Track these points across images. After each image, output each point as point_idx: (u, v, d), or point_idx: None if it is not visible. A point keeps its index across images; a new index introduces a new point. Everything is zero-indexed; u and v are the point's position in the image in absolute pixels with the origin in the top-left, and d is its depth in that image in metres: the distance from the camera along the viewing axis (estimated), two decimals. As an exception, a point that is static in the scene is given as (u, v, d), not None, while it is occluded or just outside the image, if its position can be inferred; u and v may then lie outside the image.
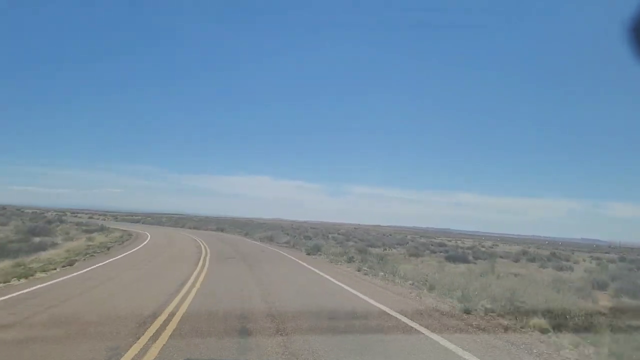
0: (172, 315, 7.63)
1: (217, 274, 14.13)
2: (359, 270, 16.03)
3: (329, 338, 6.35)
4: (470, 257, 36.42)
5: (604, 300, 14.10)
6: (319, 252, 24.63)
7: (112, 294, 9.71)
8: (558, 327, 7.02)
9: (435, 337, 6.67)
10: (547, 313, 7.49)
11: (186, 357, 5.26)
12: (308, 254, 24.59)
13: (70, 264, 14.96)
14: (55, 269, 13.47)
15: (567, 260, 42.40)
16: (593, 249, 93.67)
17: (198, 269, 15.03)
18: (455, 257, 33.74)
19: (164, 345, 5.77)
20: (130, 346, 5.64)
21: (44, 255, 18.13)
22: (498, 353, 5.99)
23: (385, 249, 39.83)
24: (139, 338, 6.04)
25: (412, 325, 7.37)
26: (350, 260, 19.63)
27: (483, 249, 53.22)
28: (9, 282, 10.69)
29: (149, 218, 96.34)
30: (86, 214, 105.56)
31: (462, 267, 26.92)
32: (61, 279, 11.59)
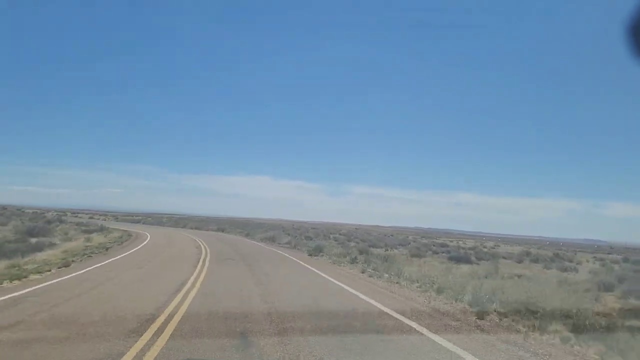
0: (170, 316, 7.37)
1: (216, 275, 13.76)
2: (363, 272, 15.59)
3: (337, 346, 5.97)
4: (473, 258, 36.15)
5: (613, 302, 13.76)
6: (321, 253, 24.24)
7: (107, 297, 9.33)
8: (577, 333, 6.62)
9: (451, 346, 6.23)
10: (564, 318, 7.12)
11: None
12: (310, 255, 24.17)
13: (67, 265, 14.59)
14: (50, 270, 13.11)
15: (571, 261, 42.06)
16: (594, 249, 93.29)
17: (197, 270, 14.65)
18: (458, 258, 33.48)
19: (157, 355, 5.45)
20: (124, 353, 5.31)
21: (40, 256, 17.80)
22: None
23: (387, 250, 39.50)
24: (135, 341, 5.81)
25: (421, 331, 6.97)
26: (353, 261, 19.21)
27: (485, 250, 52.89)
28: (1, 284, 10.33)
29: (150, 218, 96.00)
30: (86, 214, 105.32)
31: (465, 267, 26.59)
32: (55, 280, 11.21)
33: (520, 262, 39.16)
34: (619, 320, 7.55)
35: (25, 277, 11.42)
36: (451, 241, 73.46)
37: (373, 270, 15.71)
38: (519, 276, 23.09)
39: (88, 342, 5.73)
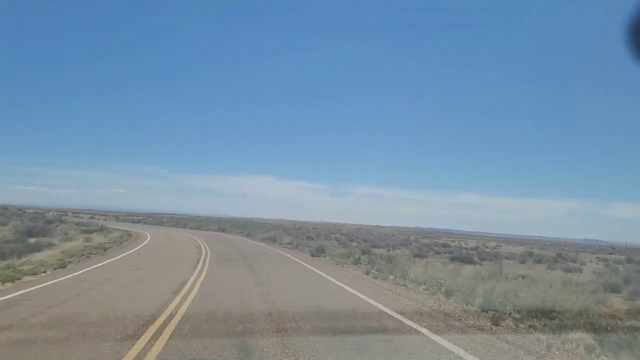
0: (170, 318, 7.07)
1: (217, 276, 13.37)
2: (367, 274, 15.13)
3: (345, 355, 5.60)
4: (476, 258, 35.86)
5: (620, 304, 13.41)
6: (323, 254, 23.81)
7: (104, 298, 8.98)
8: (600, 341, 6.19)
9: (468, 356, 5.79)
10: (583, 322, 6.75)
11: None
12: (312, 255, 23.74)
13: (63, 266, 14.25)
14: (45, 271, 12.77)
15: (574, 262, 41.71)
16: (596, 249, 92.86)
17: (197, 271, 14.30)
18: (461, 258, 33.20)
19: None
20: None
21: (37, 256, 17.50)
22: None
23: (389, 250, 39.18)
24: (133, 344, 5.57)
25: (435, 340, 6.54)
26: (356, 262, 18.79)
27: (487, 250, 52.59)
28: (-6, 286, 10.03)
29: (151, 218, 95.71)
30: (88, 214, 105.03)
31: (468, 268, 26.26)
32: (50, 282, 10.85)
33: (523, 262, 38.84)
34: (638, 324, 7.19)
35: (19, 278, 11.07)
36: (452, 241, 73.12)
37: (377, 271, 15.28)
38: (523, 277, 22.75)
39: (84, 344, 5.52)
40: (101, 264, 15.68)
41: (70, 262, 15.71)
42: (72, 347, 5.39)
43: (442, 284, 11.29)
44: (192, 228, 65.44)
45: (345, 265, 18.34)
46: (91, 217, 78.71)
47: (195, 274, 13.16)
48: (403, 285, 12.38)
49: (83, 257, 17.81)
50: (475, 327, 7.49)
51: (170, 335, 6.16)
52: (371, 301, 9.76)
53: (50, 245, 22.26)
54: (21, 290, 9.63)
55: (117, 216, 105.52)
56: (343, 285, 12.27)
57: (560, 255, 50.56)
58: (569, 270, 31.29)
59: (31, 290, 9.70)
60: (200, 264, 16.54)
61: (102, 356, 5.14)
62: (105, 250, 21.61)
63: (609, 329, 6.57)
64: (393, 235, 78.09)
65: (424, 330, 7.01)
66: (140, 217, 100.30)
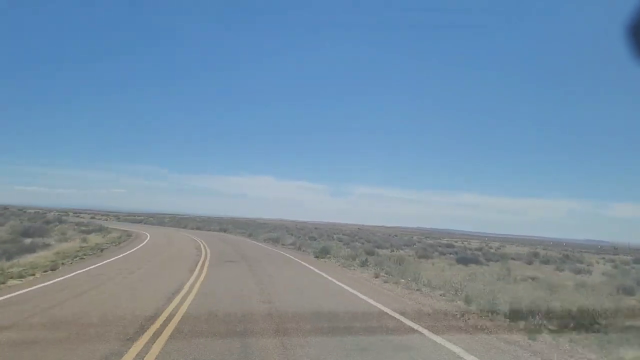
0: (158, 332, 6.20)
1: (215, 281, 12.49)
2: (376, 277, 14.22)
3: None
4: (482, 259, 35.21)
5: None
6: (328, 255, 22.99)
7: (87, 309, 8.10)
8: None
9: None
10: (629, 335, 5.94)
11: None
12: (316, 257, 22.86)
13: (54, 268, 13.48)
14: (34, 274, 12.02)
15: (581, 263, 41.00)
16: (598, 249, 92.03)
17: (195, 275, 13.45)
18: (466, 259, 32.56)
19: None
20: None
21: (30, 258, 16.79)
22: None
23: (393, 251, 38.51)
24: None
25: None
26: (363, 264, 17.93)
27: (492, 250, 51.92)
28: (-26, 291, 9.27)
29: (151, 218, 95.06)
30: (88, 214, 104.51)
31: (475, 269, 25.54)
32: (35, 287, 10.07)
33: (530, 263, 38.18)
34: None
35: (3, 282, 10.28)
36: (456, 241, 72.46)
37: (387, 274, 14.42)
38: (533, 278, 22.04)
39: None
40: (95, 265, 14.91)
41: (62, 264, 14.97)
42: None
43: (458, 289, 10.45)
44: (192, 228, 64.74)
45: (352, 268, 17.45)
46: (92, 217, 78.17)
47: (191, 280, 12.24)
48: (417, 290, 11.47)
49: (77, 258, 17.07)
50: (511, 342, 6.56)
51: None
52: (388, 310, 8.77)
53: (45, 246, 21.55)
54: (3, 296, 8.85)
55: (118, 216, 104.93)
56: (355, 292, 11.22)
57: (566, 256, 49.83)
58: (578, 272, 30.56)
59: (13, 296, 8.93)
60: (199, 267, 15.73)
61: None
62: (102, 251, 20.87)
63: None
64: (396, 236, 77.38)
65: (457, 350, 6.07)
66: (142, 217, 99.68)
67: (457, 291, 10.33)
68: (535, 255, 47.49)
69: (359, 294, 10.84)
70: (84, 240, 25.76)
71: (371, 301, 9.86)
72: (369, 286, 12.40)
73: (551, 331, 6.93)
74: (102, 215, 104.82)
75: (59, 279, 11.46)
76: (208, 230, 60.25)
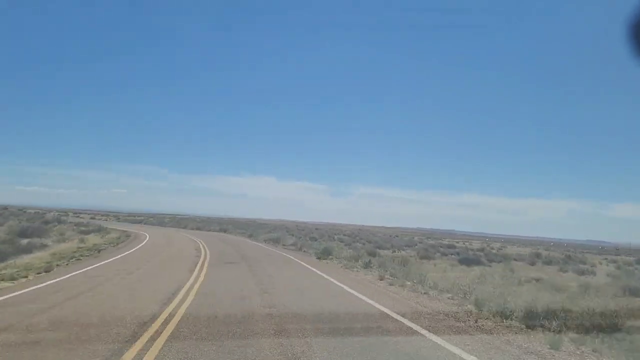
0: (153, 338, 5.87)
1: (214, 283, 12.13)
2: (381, 279, 13.78)
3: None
4: (484, 260, 34.89)
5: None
6: (330, 256, 22.58)
7: (79, 313, 7.70)
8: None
9: None
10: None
11: None
12: (318, 258, 22.41)
13: (48, 269, 13.11)
14: (27, 276, 11.66)
15: (584, 263, 40.68)
16: (600, 250, 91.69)
17: (193, 277, 13.09)
18: (469, 260, 32.22)
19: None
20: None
21: (25, 259, 16.46)
22: None
23: (394, 251, 38.16)
24: None
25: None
26: (366, 265, 17.49)
27: (493, 251, 51.59)
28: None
29: (152, 219, 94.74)
30: (88, 214, 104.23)
31: (478, 270, 25.19)
32: (27, 289, 9.70)
33: (532, 264, 37.87)
34: None
35: (-6, 285, 9.98)
36: (457, 242, 72.15)
37: (391, 276, 13.99)
38: (537, 280, 21.69)
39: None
40: (90, 267, 14.53)
41: (57, 265, 14.61)
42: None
43: (467, 292, 10.06)
44: (192, 229, 64.41)
45: (355, 269, 16.99)
46: (92, 218, 77.89)
47: (189, 282, 11.86)
48: (425, 293, 11.03)
49: (73, 259, 16.71)
50: (532, 352, 6.10)
51: None
52: (397, 316, 8.28)
53: (42, 247, 21.24)
54: (-8, 299, 8.52)
55: (118, 216, 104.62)
56: (359, 295, 10.80)
57: (568, 257, 49.49)
58: (582, 273, 30.23)
59: (2, 299, 8.56)
60: (198, 268, 15.36)
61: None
62: (99, 251, 20.51)
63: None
64: (397, 236, 77.01)
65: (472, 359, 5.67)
66: (142, 218, 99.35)
67: (466, 294, 9.93)
68: (538, 256, 47.21)
69: (364, 298, 10.41)
70: (82, 240, 25.43)
71: (378, 305, 9.41)
72: (374, 289, 11.97)
73: (573, 340, 6.49)
74: (102, 215, 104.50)
75: (52, 281, 11.08)
76: (208, 231, 59.91)
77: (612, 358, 5.80)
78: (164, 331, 6.43)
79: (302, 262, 19.83)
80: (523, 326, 7.33)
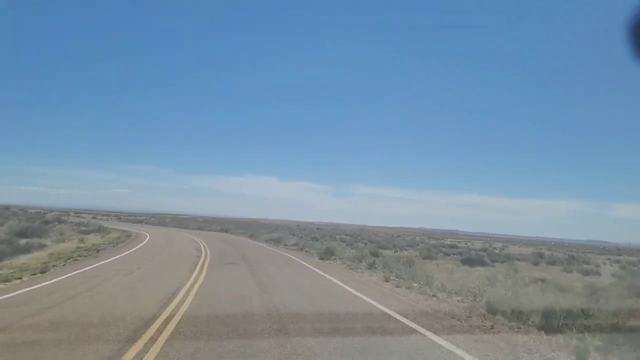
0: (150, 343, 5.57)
1: (214, 285, 11.81)
2: (387, 281, 13.34)
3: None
4: (487, 260, 34.57)
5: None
6: (333, 257, 22.19)
7: (71, 318, 7.32)
8: None
9: None
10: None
11: None
12: (321, 258, 22.03)
13: (44, 270, 12.79)
14: (21, 277, 11.34)
15: (588, 264, 40.35)
16: (601, 250, 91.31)
17: (193, 278, 12.77)
18: (472, 260, 31.87)
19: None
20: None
21: (22, 259, 16.17)
22: None
23: (397, 251, 37.86)
24: None
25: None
26: (371, 266, 17.10)
27: (496, 251, 51.26)
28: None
29: (153, 218, 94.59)
30: (90, 214, 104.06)
31: (482, 270, 24.87)
32: (19, 292, 9.38)
33: (536, 264, 37.49)
34: None
35: (-14, 287, 9.67)
36: (458, 242, 71.84)
37: (397, 277, 13.61)
38: (542, 280, 21.36)
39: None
40: (88, 268, 14.22)
41: (54, 265, 14.32)
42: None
43: (477, 294, 9.69)
44: (194, 228, 64.18)
45: (359, 270, 16.57)
46: (93, 217, 77.73)
47: (189, 283, 11.54)
48: (433, 296, 10.59)
49: (71, 259, 16.43)
50: None
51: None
52: (409, 322, 7.80)
53: (41, 247, 20.97)
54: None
55: (119, 216, 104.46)
56: (365, 297, 10.34)
57: (571, 257, 49.15)
58: (587, 273, 29.88)
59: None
60: (197, 269, 15.04)
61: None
62: (98, 252, 20.21)
63: None
64: (399, 236, 76.74)
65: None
66: (143, 218, 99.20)
67: (476, 296, 9.55)
68: (541, 256, 46.88)
69: (370, 300, 10.01)
70: (81, 240, 25.16)
71: (385, 309, 8.97)
72: (379, 291, 11.57)
73: (597, 349, 6.00)
74: (104, 215, 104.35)
75: (46, 283, 10.77)
76: (209, 231, 59.66)
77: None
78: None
79: (304, 263, 19.48)
80: (542, 332, 6.89)
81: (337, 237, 53.66)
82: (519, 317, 7.48)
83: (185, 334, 6.32)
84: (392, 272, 14.65)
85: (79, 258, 17.09)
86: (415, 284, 12.11)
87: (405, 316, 8.19)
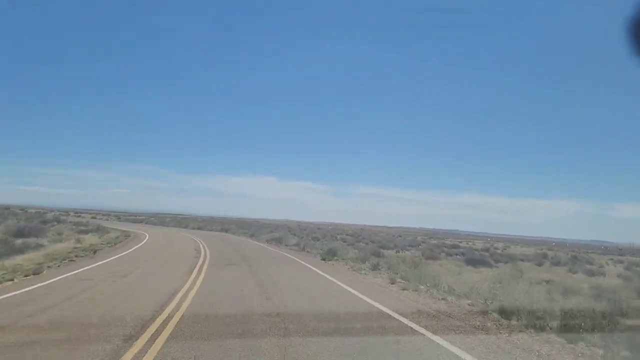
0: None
1: (213, 287, 11.38)
2: (392, 283, 12.84)
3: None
4: (490, 260, 34.20)
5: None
6: (335, 257, 21.77)
7: (61, 323, 6.89)
8: None
9: None
10: None
11: None
12: (323, 259, 21.57)
13: (38, 272, 12.38)
14: (13, 279, 10.91)
15: (591, 264, 39.99)
16: (603, 250, 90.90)
17: (190, 280, 12.33)
18: (475, 261, 31.48)
19: None
20: None
21: (17, 259, 15.76)
22: None
23: (398, 251, 37.48)
24: None
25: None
26: (374, 267, 16.67)
27: (498, 251, 50.89)
28: None
29: (153, 218, 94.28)
30: (89, 214, 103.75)
31: (485, 271, 24.50)
32: (8, 295, 8.94)
33: (540, 264, 37.11)
34: None
35: (-28, 289, 9.24)
36: (460, 242, 71.49)
37: (403, 279, 13.17)
38: (547, 281, 20.97)
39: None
40: (83, 269, 13.79)
41: (48, 266, 13.92)
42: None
43: (487, 297, 9.26)
44: (194, 228, 63.88)
45: (363, 271, 16.07)
46: (93, 217, 77.44)
47: (186, 287, 11.04)
48: (442, 299, 10.13)
49: (67, 260, 16.01)
50: None
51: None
52: (421, 328, 7.33)
53: (37, 247, 20.56)
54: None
55: (119, 216, 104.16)
56: (372, 301, 9.86)
57: (575, 257, 48.74)
58: (592, 274, 29.49)
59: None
60: (196, 271, 14.63)
61: None
62: (95, 252, 19.79)
63: None
64: (400, 236, 76.35)
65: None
66: (143, 217, 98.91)
67: (487, 300, 9.12)
68: (545, 256, 46.53)
69: (376, 304, 9.53)
70: (79, 240, 24.77)
71: (393, 313, 8.50)
72: (386, 294, 11.08)
73: (625, 357, 5.59)
74: (103, 215, 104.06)
75: (40, 285, 10.34)
76: (209, 231, 59.33)
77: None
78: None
79: (307, 264, 19.02)
80: (563, 340, 6.43)
81: (338, 237, 53.36)
82: (535, 325, 7.00)
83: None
84: (397, 273, 14.19)
85: (75, 259, 16.68)
86: (422, 286, 11.67)
87: (413, 321, 7.68)
